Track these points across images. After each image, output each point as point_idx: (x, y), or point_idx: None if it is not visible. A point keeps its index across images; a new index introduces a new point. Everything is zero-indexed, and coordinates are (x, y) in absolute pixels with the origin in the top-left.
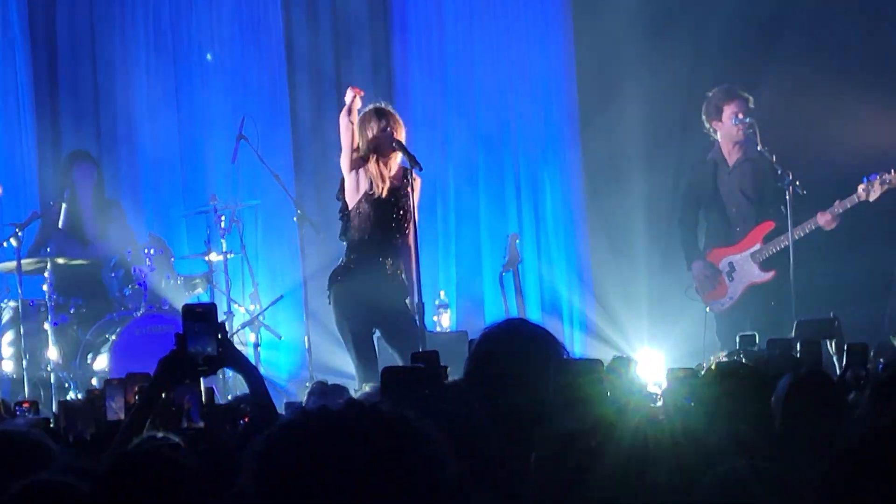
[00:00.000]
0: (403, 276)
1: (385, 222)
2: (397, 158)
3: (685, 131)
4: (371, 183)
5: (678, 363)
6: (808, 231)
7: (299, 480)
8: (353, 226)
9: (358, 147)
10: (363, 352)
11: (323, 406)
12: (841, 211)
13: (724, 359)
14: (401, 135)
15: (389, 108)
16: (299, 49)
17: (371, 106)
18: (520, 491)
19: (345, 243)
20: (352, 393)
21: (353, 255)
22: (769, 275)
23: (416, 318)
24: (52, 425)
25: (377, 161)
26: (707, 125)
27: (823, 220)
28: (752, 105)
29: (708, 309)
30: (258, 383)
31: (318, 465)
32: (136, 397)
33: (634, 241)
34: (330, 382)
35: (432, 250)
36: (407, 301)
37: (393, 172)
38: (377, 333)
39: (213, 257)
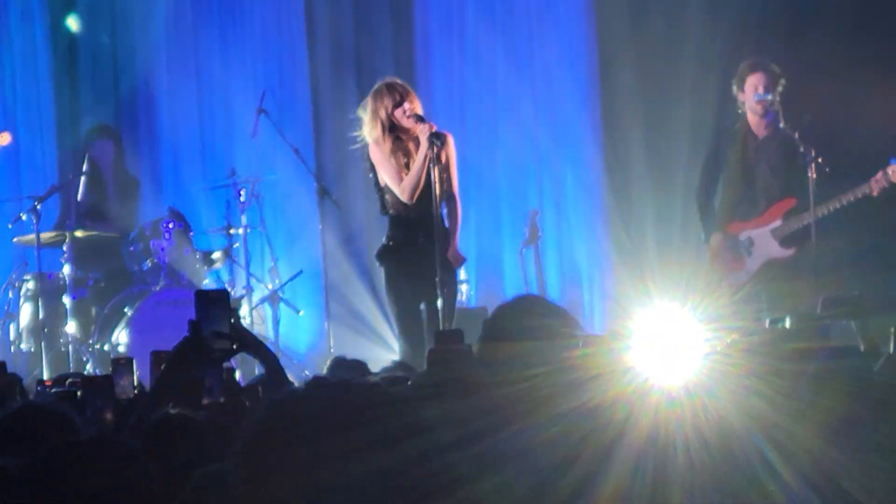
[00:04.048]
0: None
1: (422, 197)
2: (416, 130)
3: (707, 107)
4: (396, 160)
5: (699, 334)
6: (849, 202)
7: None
8: (389, 202)
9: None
10: (409, 328)
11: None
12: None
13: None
14: (417, 107)
15: (399, 81)
16: (320, 23)
17: (381, 82)
18: (538, 467)
19: (386, 218)
20: (378, 366)
21: (393, 233)
22: (789, 252)
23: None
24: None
25: (398, 137)
26: (736, 95)
27: (877, 186)
28: (780, 79)
29: (724, 283)
30: (274, 365)
31: (300, 444)
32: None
33: (654, 214)
34: (349, 357)
35: None
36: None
37: (419, 144)
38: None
39: (233, 232)
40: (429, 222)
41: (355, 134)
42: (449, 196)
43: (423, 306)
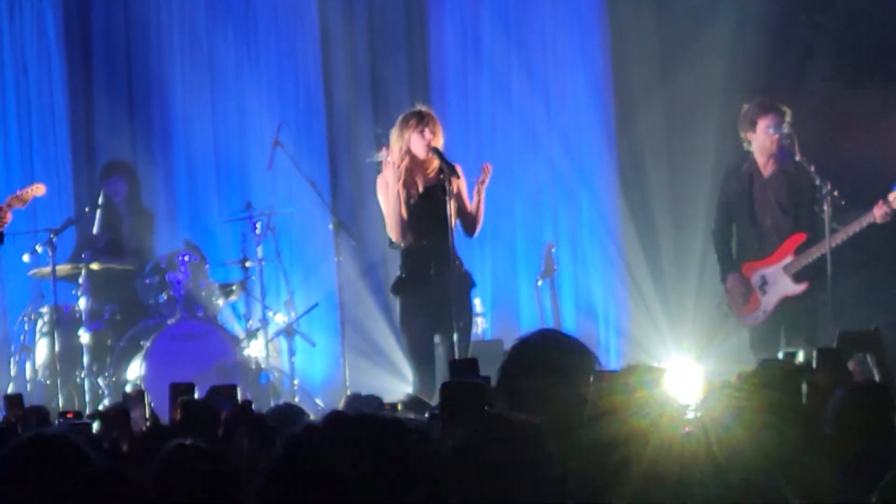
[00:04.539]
0: (464, 268)
1: (429, 228)
2: (434, 163)
3: (721, 139)
4: (408, 190)
5: (714, 374)
6: (855, 232)
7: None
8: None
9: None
10: (422, 361)
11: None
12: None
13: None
14: (439, 140)
15: (430, 112)
16: (335, 55)
17: (412, 108)
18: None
19: (398, 253)
20: (394, 398)
21: (406, 265)
22: (802, 287)
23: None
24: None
25: (412, 166)
26: (742, 135)
27: (879, 212)
28: (788, 118)
29: (742, 324)
30: None
31: (318, 481)
32: (179, 409)
33: (670, 250)
34: (364, 392)
35: (467, 258)
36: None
37: (428, 174)
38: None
39: (249, 264)
40: (442, 254)
41: (375, 160)
42: (453, 244)
43: (437, 339)
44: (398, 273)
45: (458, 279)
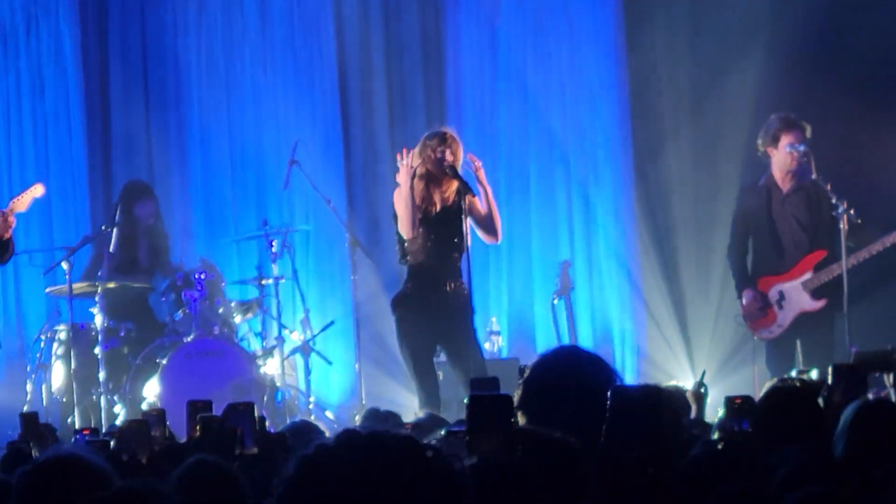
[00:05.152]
0: (466, 292)
1: (442, 245)
2: (453, 184)
3: (741, 155)
4: (425, 208)
5: (731, 391)
6: (878, 252)
7: None
8: (411, 250)
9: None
10: (424, 376)
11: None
12: None
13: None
14: (457, 160)
15: (453, 134)
16: (352, 74)
17: (437, 129)
18: None
19: (405, 267)
20: (411, 416)
21: (414, 280)
22: (820, 304)
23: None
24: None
25: (429, 185)
26: (761, 150)
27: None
28: (808, 135)
29: (756, 336)
30: None
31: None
32: (198, 426)
33: (686, 266)
34: (382, 409)
35: (483, 276)
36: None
37: (445, 194)
38: (441, 357)
39: (265, 283)
40: (452, 274)
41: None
42: (463, 264)
43: (443, 356)
44: (401, 289)
45: (461, 300)
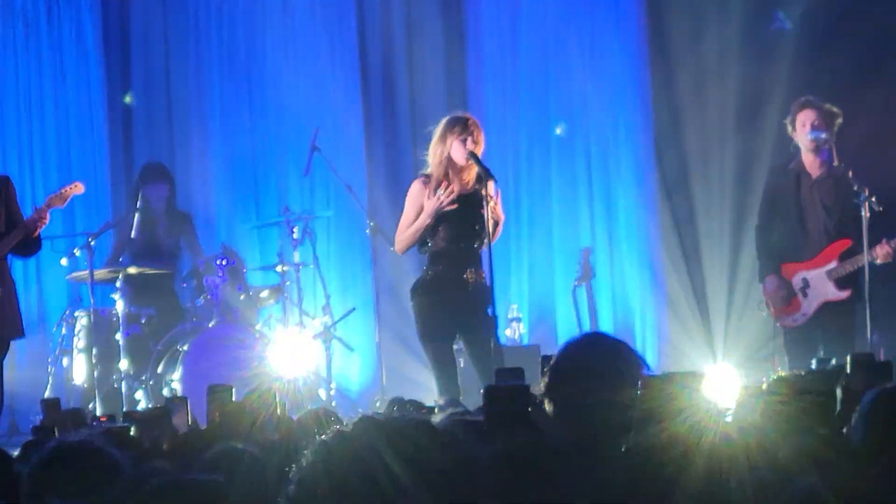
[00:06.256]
0: (486, 282)
1: (463, 233)
2: (473, 170)
3: (764, 138)
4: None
5: (751, 379)
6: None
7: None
8: (431, 238)
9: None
10: (443, 363)
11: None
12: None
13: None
14: (479, 147)
15: (475, 121)
16: (373, 60)
17: (454, 114)
18: None
19: (425, 255)
20: (431, 404)
21: (434, 267)
22: (845, 293)
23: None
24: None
25: (450, 171)
26: (789, 132)
27: (881, 252)
28: (835, 118)
29: (779, 324)
30: None
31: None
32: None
33: (708, 254)
34: (406, 396)
35: (505, 264)
36: (489, 308)
37: (465, 181)
38: (458, 345)
39: (286, 269)
40: (472, 261)
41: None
42: (483, 252)
43: (461, 344)
44: (421, 275)
45: (480, 289)
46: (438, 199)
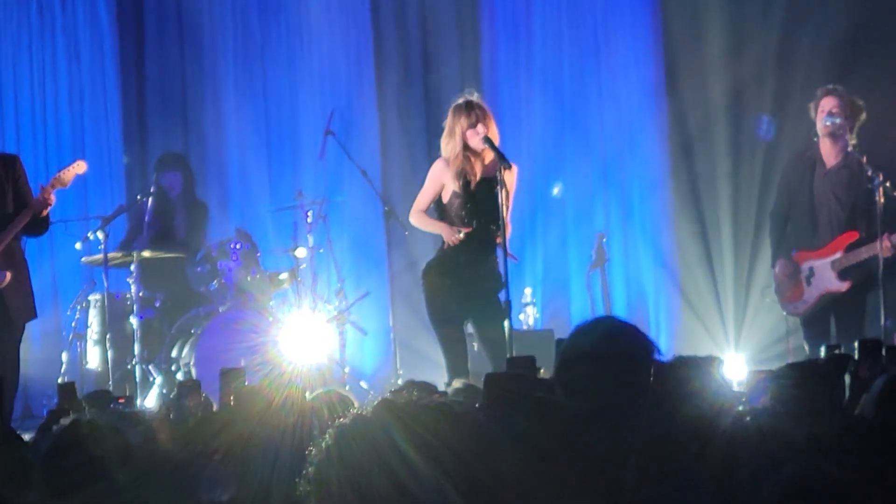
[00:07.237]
0: (499, 268)
1: (477, 216)
2: (491, 154)
3: (779, 132)
4: (464, 177)
5: (763, 365)
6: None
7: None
8: (447, 220)
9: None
10: (453, 345)
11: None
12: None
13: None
14: (491, 130)
15: (480, 100)
16: (387, 44)
17: (462, 98)
18: (614, 489)
19: (439, 237)
20: (441, 387)
21: (447, 249)
22: (844, 285)
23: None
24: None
25: (466, 156)
26: (813, 120)
27: (884, 246)
28: (858, 111)
29: (784, 311)
30: None
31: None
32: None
33: (721, 238)
34: (418, 379)
35: (518, 248)
36: (500, 294)
37: (485, 164)
38: (469, 329)
39: (300, 253)
40: (487, 243)
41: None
42: (497, 235)
43: (470, 327)
44: (433, 256)
45: (492, 273)
46: (454, 234)
